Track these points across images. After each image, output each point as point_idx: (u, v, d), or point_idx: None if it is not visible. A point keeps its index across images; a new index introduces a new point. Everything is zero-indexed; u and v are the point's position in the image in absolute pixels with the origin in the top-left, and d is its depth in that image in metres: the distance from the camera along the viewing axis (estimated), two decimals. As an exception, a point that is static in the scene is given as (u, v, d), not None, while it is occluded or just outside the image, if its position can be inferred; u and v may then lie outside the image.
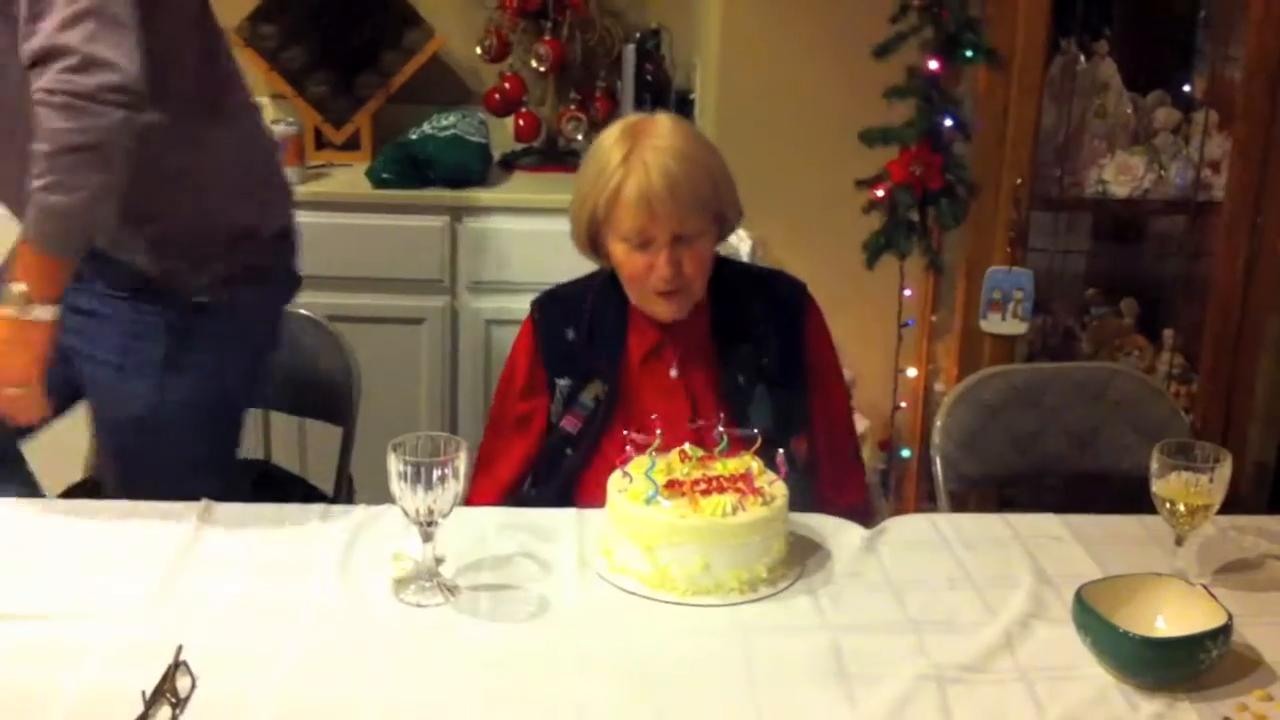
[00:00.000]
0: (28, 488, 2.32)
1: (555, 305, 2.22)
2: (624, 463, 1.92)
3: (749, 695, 1.61)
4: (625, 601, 1.81)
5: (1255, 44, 2.82)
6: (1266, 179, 2.87)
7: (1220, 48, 3.06)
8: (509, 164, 3.66)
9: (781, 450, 1.91)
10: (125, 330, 2.12)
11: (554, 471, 2.18)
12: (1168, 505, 1.81)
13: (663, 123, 2.07)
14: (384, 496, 1.82)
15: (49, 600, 1.76)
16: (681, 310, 2.11)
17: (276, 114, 3.64)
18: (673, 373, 2.16)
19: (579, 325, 2.18)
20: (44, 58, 1.82)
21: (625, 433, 1.94)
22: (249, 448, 3.35)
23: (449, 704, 1.58)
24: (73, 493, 2.50)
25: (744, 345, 2.15)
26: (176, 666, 1.59)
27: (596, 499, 1.94)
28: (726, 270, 2.19)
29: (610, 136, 2.07)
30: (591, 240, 2.13)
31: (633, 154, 2.01)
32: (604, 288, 2.19)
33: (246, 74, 3.58)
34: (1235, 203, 2.90)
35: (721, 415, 2.03)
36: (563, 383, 2.18)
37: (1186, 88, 3.16)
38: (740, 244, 3.02)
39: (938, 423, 2.47)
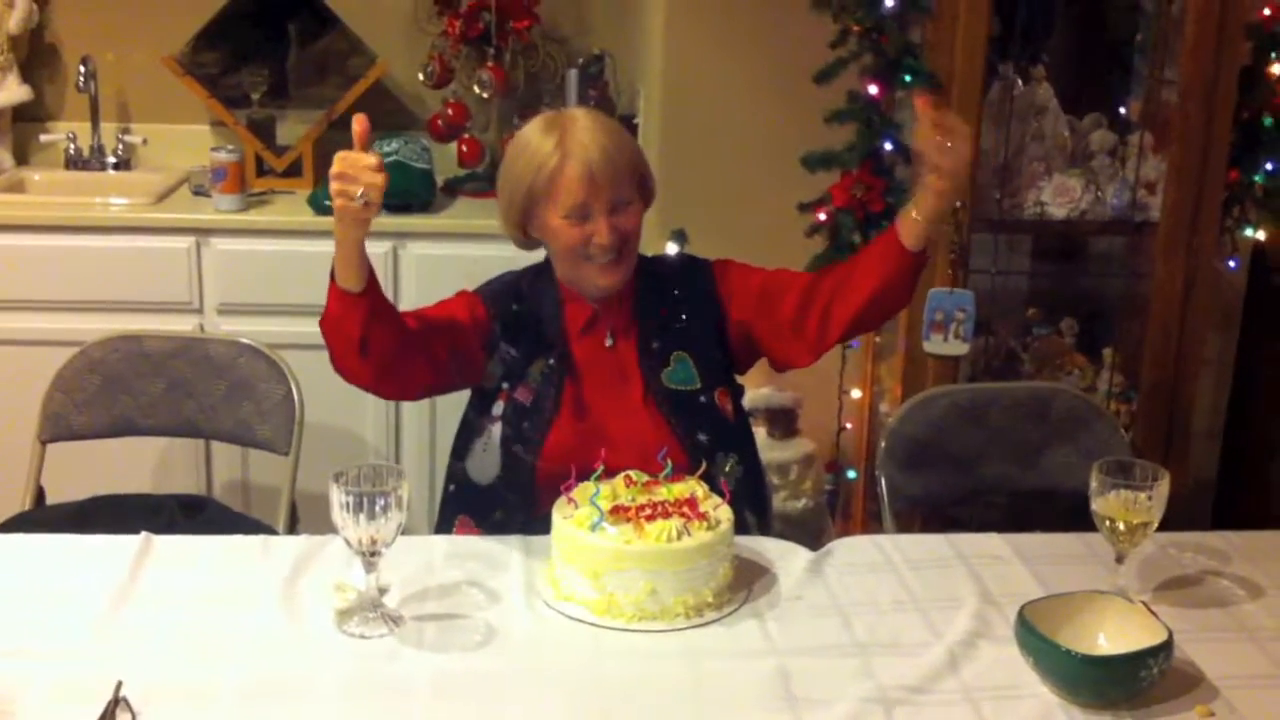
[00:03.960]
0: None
1: (495, 285, 2.29)
2: (568, 489, 1.92)
3: (696, 721, 1.61)
4: (572, 629, 1.81)
5: (1190, 67, 2.86)
6: (1201, 199, 2.91)
7: (1156, 71, 3.10)
8: (453, 190, 3.65)
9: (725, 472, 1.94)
10: None
11: (514, 444, 2.17)
12: (1108, 523, 1.83)
13: (580, 112, 2.20)
14: (327, 526, 1.81)
15: (-15, 637, 1.73)
16: (618, 278, 2.18)
17: (217, 141, 3.62)
18: (607, 342, 2.23)
19: (520, 301, 2.25)
20: None
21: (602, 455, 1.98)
22: (191, 480, 3.35)
23: (394, 736, 1.56)
24: (11, 526, 2.46)
25: (660, 313, 2.25)
26: (117, 703, 1.58)
27: (556, 466, 2.00)
28: (647, 262, 2.30)
29: (534, 129, 2.17)
30: (523, 219, 2.19)
31: (565, 138, 2.12)
32: (533, 274, 2.29)
33: (186, 101, 3.62)
34: (1171, 223, 2.93)
35: (642, 379, 2.20)
36: (510, 350, 2.21)
37: (1123, 110, 3.20)
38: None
39: (882, 443, 2.49)
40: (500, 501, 2.18)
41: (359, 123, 1.88)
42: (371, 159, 1.86)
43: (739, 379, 2.34)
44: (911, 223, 2.09)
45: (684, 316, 2.26)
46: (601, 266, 2.15)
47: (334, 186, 1.87)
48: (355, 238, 1.93)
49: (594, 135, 2.12)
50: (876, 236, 2.24)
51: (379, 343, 2.02)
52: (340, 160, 1.87)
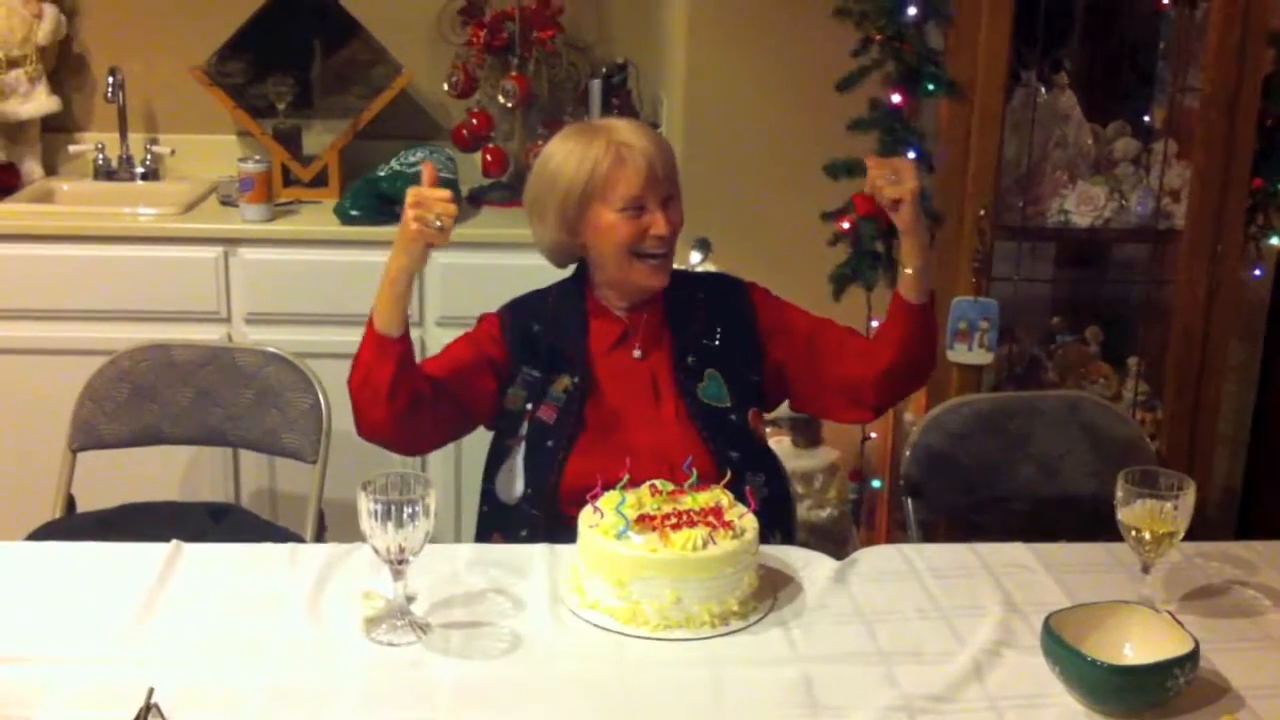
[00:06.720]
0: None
1: (519, 305, 2.33)
2: (594, 498, 1.93)
3: (721, 729, 1.62)
4: (597, 637, 1.82)
5: (1213, 74, 2.85)
6: (1225, 206, 2.91)
7: (1179, 78, 3.09)
8: (477, 199, 3.66)
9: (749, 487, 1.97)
10: None
11: (538, 462, 2.19)
12: (1133, 533, 1.83)
13: (615, 120, 2.29)
14: (355, 535, 1.82)
15: (20, 644, 1.75)
16: (666, 278, 2.24)
17: (243, 151, 3.65)
18: (636, 353, 2.26)
19: (544, 320, 2.28)
20: None
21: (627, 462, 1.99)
22: (219, 489, 3.37)
23: (422, 743, 1.57)
24: (42, 534, 2.48)
25: (693, 329, 2.29)
26: (149, 709, 1.59)
27: (579, 483, 2.01)
28: (675, 274, 2.33)
29: (570, 139, 2.24)
30: (574, 224, 2.22)
31: (613, 139, 2.19)
32: (563, 289, 2.33)
33: (213, 112, 3.65)
34: (1195, 230, 2.93)
35: (676, 392, 2.23)
36: (531, 372, 2.24)
37: (1146, 118, 3.20)
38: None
39: (907, 452, 2.49)
40: (526, 520, 2.19)
41: (428, 168, 2.08)
42: (443, 192, 2.01)
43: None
44: (905, 278, 2.19)
45: (718, 333, 2.28)
46: (652, 267, 2.21)
47: (411, 214, 2.00)
48: (411, 271, 2.06)
49: (641, 134, 2.21)
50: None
51: (404, 393, 2.10)
52: (414, 193, 2.02)
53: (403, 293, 2.07)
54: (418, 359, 3.33)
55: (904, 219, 2.14)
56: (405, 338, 2.10)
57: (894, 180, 2.11)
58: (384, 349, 2.08)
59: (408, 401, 2.11)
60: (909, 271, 2.18)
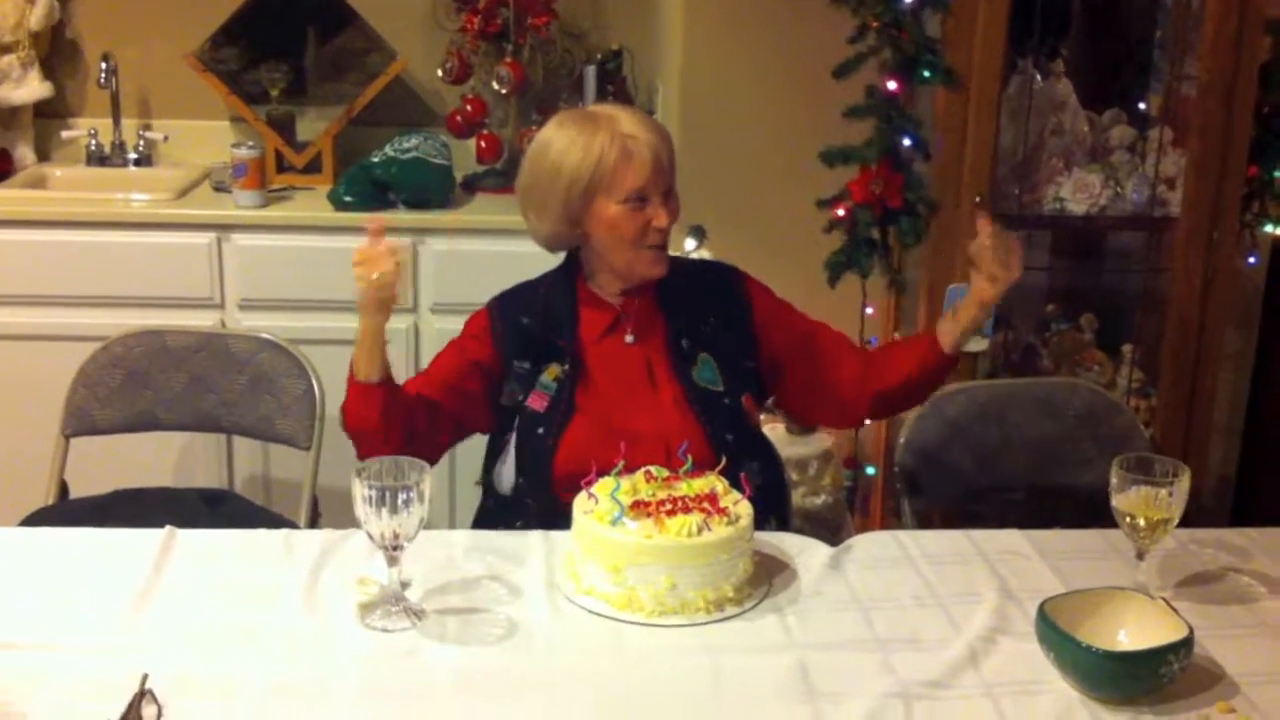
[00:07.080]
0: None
1: (509, 297, 2.32)
2: (589, 484, 1.92)
3: (717, 715, 1.62)
4: (593, 623, 1.81)
5: (1210, 62, 2.86)
6: (1221, 194, 2.91)
7: (1175, 66, 3.10)
8: (471, 186, 3.65)
9: (744, 473, 1.97)
10: None
11: (530, 451, 2.19)
12: (1128, 519, 1.83)
13: (613, 108, 2.25)
14: (349, 521, 1.82)
15: (14, 630, 1.75)
16: (667, 266, 2.23)
17: (237, 137, 3.64)
18: (628, 339, 2.26)
19: (533, 312, 2.27)
20: None
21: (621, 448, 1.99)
22: (212, 475, 3.37)
23: (417, 729, 1.57)
24: (35, 520, 2.48)
25: (687, 313, 2.28)
26: (142, 695, 1.59)
27: (573, 469, 2.01)
28: (669, 260, 2.33)
29: (569, 128, 2.20)
30: (577, 214, 2.20)
31: (618, 130, 2.16)
32: (555, 278, 2.32)
33: (206, 98, 3.63)
34: (1191, 218, 2.93)
35: (673, 376, 2.23)
36: (521, 365, 2.24)
37: (1142, 105, 3.20)
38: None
39: (902, 439, 2.49)
40: (521, 510, 2.19)
41: (374, 222, 2.07)
42: (383, 247, 2.03)
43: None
44: (950, 330, 2.22)
45: (711, 320, 2.28)
46: (654, 257, 2.21)
47: (355, 272, 2.01)
48: (376, 325, 2.06)
49: (644, 124, 2.19)
50: (913, 336, 2.31)
51: (397, 429, 2.11)
52: (359, 252, 2.02)
53: (374, 347, 2.08)
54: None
55: (989, 295, 2.16)
56: (387, 378, 2.11)
57: (1004, 264, 2.13)
58: (368, 396, 2.10)
59: (402, 434, 2.12)
60: (957, 327, 2.20)
